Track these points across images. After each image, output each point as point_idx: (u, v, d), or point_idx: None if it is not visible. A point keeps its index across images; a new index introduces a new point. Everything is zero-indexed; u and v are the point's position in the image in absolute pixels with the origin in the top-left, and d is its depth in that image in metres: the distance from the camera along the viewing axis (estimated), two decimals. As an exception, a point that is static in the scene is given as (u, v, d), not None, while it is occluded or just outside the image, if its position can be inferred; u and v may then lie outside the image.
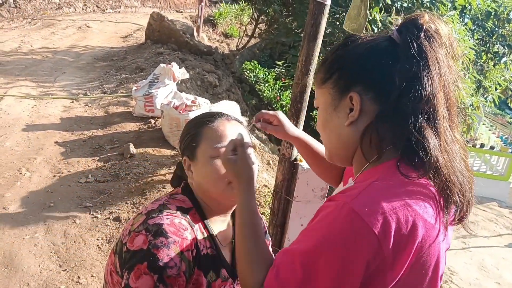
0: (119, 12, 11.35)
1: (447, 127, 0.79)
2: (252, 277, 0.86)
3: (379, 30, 4.45)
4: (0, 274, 2.23)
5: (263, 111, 1.31)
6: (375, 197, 0.73)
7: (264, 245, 0.92)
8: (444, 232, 0.79)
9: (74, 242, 2.50)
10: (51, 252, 2.42)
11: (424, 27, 0.79)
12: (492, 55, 6.87)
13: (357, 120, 0.83)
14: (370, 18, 4.29)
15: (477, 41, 6.47)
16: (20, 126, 4.03)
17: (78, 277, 2.25)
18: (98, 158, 3.47)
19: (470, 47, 5.06)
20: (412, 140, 0.75)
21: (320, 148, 1.28)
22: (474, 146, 8.85)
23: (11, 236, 2.50)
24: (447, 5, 5.16)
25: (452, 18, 5.03)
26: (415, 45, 0.77)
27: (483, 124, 9.81)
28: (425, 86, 0.76)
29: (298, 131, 1.31)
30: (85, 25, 9.19)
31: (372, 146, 0.81)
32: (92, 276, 2.27)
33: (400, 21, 0.86)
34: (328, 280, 0.72)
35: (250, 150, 1.14)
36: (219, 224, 1.17)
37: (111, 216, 2.73)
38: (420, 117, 0.76)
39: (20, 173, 3.20)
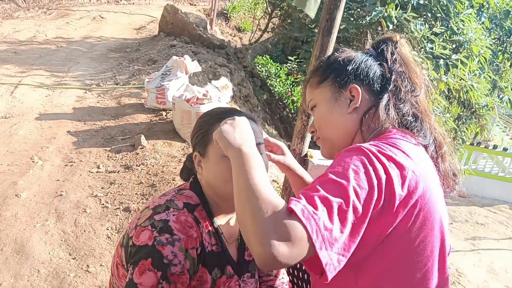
0: (133, 3, 11.37)
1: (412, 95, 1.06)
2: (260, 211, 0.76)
3: (394, 27, 4.39)
4: (12, 260, 2.26)
5: (269, 138, 1.34)
6: (377, 142, 0.92)
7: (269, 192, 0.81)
8: (440, 183, 0.99)
9: (84, 231, 2.53)
10: (61, 240, 2.45)
11: (393, 39, 1.09)
12: (509, 55, 6.77)
13: (357, 107, 1.04)
14: (386, 14, 4.24)
15: (494, 41, 6.36)
16: (33, 115, 4.08)
17: (87, 265, 2.28)
18: (109, 148, 3.50)
19: (486, 46, 4.98)
20: (402, 109, 1.02)
21: None
22: (486, 147, 8.73)
23: (22, 223, 2.54)
24: (464, 3, 5.07)
25: (469, 17, 4.95)
26: (389, 49, 1.07)
27: (497, 125, 9.67)
28: (407, 79, 1.06)
29: (298, 165, 1.37)
30: (99, 16, 9.23)
31: (373, 124, 1.01)
32: (101, 265, 2.30)
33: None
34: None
35: (262, 147, 1.13)
36: (226, 221, 1.17)
37: (121, 207, 2.76)
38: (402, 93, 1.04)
39: (33, 161, 3.24)
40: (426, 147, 1.01)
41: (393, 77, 1.03)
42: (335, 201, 0.76)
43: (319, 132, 1.12)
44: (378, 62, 1.07)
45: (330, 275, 0.75)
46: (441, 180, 1.02)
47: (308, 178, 1.36)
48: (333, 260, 0.74)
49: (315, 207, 0.75)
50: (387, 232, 0.84)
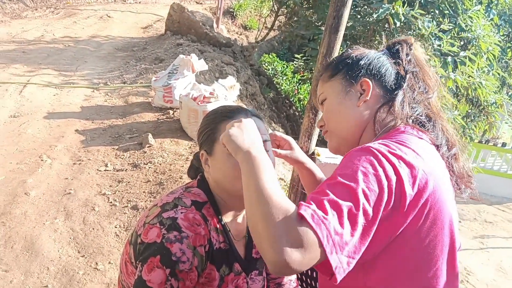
0: (139, 2, 11.41)
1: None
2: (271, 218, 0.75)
3: (401, 24, 4.36)
4: (22, 257, 2.29)
5: (276, 132, 1.34)
6: (386, 141, 0.91)
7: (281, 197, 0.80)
8: (451, 184, 0.98)
9: (93, 229, 2.55)
10: (70, 238, 2.48)
11: (408, 42, 1.11)
12: (518, 52, 6.67)
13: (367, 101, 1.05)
14: (393, 11, 4.21)
15: (502, 37, 6.29)
16: (42, 114, 4.11)
17: (96, 263, 2.30)
18: (117, 147, 3.52)
19: (495, 43, 4.93)
20: (412, 107, 1.03)
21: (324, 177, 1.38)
22: (495, 145, 8.64)
23: (32, 221, 2.57)
24: (473, -1, 5.02)
25: (477, 13, 4.90)
26: (404, 50, 1.09)
27: (506, 122, 9.55)
28: (423, 79, 1.08)
29: (307, 158, 1.38)
30: (106, 15, 9.28)
31: (385, 119, 1.02)
32: (109, 263, 2.32)
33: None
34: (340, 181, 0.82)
35: (269, 144, 1.14)
36: (233, 219, 1.17)
37: (129, 205, 2.77)
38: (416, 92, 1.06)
39: (42, 160, 3.27)
40: (437, 147, 1.00)
41: (408, 76, 1.05)
42: (345, 205, 0.76)
43: (328, 125, 1.12)
44: (393, 61, 1.09)
45: (340, 277, 0.75)
46: (455, 181, 1.02)
47: (318, 171, 1.36)
48: (343, 263, 0.74)
49: (325, 212, 0.75)
50: (398, 233, 0.84)
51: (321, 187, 0.82)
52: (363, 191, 0.78)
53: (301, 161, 1.33)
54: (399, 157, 0.85)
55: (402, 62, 1.07)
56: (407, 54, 1.09)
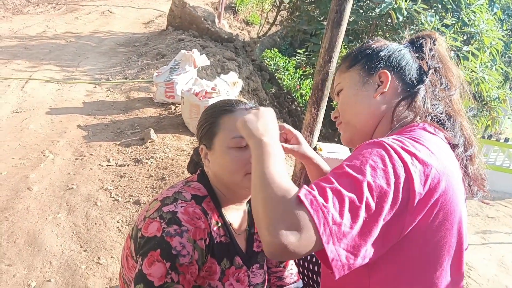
0: (141, -2, 11.37)
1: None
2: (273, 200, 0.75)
3: (404, 18, 4.34)
4: (25, 252, 2.30)
5: (285, 124, 1.32)
6: (400, 137, 0.88)
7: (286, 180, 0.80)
8: (464, 185, 0.95)
9: (95, 223, 2.56)
10: (73, 232, 2.49)
11: (432, 36, 1.10)
12: (521, 47, 6.63)
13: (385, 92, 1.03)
14: (396, 6, 4.19)
15: (506, 32, 6.24)
16: (44, 109, 4.12)
17: (99, 257, 2.31)
18: (119, 142, 3.53)
19: (498, 38, 4.90)
20: (433, 104, 1.00)
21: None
22: (498, 140, 8.61)
23: (34, 216, 2.58)
24: (476, -7, 4.99)
25: (480, 8, 4.87)
26: (428, 45, 1.07)
27: (509, 118, 9.50)
28: (445, 75, 1.05)
29: (314, 153, 1.36)
30: (108, 10, 9.26)
31: (404, 114, 1.00)
32: (111, 257, 2.33)
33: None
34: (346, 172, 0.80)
35: None
36: (234, 213, 1.17)
37: (131, 200, 2.78)
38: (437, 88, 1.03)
39: (44, 155, 3.28)
40: (453, 147, 0.98)
41: (430, 71, 1.02)
42: (348, 196, 0.74)
43: (342, 116, 1.10)
44: (415, 55, 1.06)
45: (337, 272, 0.72)
46: (467, 182, 1.00)
47: (325, 166, 1.34)
48: (341, 257, 0.72)
49: (326, 199, 0.73)
50: (407, 231, 0.81)
51: (327, 175, 0.81)
52: (369, 185, 0.76)
53: (308, 156, 1.31)
54: (412, 154, 0.82)
55: (425, 56, 1.05)
56: (430, 49, 1.06)
